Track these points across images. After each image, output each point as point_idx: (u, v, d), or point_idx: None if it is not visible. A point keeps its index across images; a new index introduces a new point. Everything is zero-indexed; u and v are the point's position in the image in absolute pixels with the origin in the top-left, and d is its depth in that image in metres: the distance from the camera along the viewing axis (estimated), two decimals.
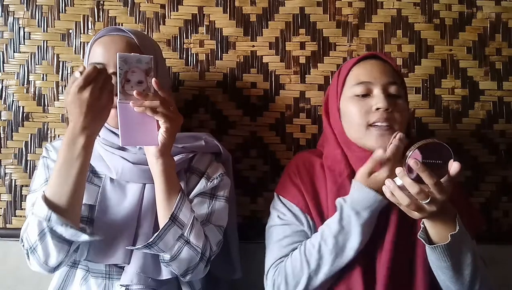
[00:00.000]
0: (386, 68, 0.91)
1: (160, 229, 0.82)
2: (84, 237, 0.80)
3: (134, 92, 0.78)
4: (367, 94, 0.89)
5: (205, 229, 0.88)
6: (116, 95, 0.79)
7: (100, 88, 0.78)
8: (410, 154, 0.74)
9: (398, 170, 0.74)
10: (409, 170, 0.74)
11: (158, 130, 0.81)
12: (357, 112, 0.88)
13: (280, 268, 0.88)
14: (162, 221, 0.84)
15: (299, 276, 0.84)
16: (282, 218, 0.93)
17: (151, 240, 0.81)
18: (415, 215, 0.76)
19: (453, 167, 0.74)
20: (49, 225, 0.78)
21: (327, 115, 0.98)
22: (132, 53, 0.81)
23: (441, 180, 0.73)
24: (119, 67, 0.78)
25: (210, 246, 0.87)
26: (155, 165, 0.83)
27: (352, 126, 0.90)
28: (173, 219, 0.83)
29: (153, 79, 0.80)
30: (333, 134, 0.95)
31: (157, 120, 0.81)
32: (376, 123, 0.87)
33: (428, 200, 0.73)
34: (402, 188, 0.75)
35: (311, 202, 0.90)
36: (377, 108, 0.87)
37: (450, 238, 0.76)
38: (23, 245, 0.85)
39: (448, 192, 0.74)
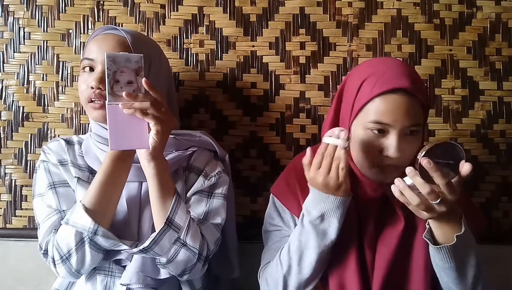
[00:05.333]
0: (411, 106, 0.80)
1: (156, 233, 0.82)
2: (123, 247, 0.83)
3: (123, 94, 0.75)
4: (382, 131, 0.81)
5: (202, 227, 0.88)
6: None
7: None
8: (422, 153, 0.74)
9: (409, 170, 0.74)
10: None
11: (149, 132, 0.79)
12: (366, 150, 0.82)
13: (264, 272, 0.91)
14: (158, 224, 0.84)
15: (276, 278, 0.86)
16: (272, 223, 0.95)
17: (146, 245, 0.81)
18: (424, 215, 0.75)
19: (465, 167, 0.75)
20: (91, 237, 0.81)
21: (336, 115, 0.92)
22: (120, 52, 0.78)
23: (452, 180, 0.74)
24: (107, 68, 0.75)
25: (208, 245, 0.87)
26: (147, 168, 0.83)
27: (357, 154, 0.85)
28: (169, 223, 0.82)
29: (143, 79, 0.77)
30: None
31: (148, 123, 0.78)
32: (381, 166, 0.83)
33: (439, 200, 0.72)
34: (411, 188, 0.74)
35: None
36: (387, 155, 0.81)
37: (455, 239, 0.75)
38: (45, 254, 0.86)
39: (458, 193, 0.74)
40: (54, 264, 0.84)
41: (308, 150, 0.83)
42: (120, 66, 0.76)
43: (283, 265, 0.85)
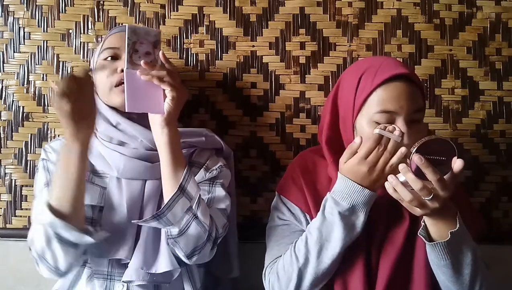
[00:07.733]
0: (413, 91, 0.82)
1: (169, 198, 0.82)
2: (88, 239, 0.81)
3: (142, 62, 0.80)
4: (389, 122, 0.82)
5: (209, 211, 0.88)
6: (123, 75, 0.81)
7: (80, 97, 0.78)
8: (414, 150, 0.74)
9: (402, 166, 0.74)
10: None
11: (164, 100, 0.83)
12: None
13: (273, 266, 0.88)
14: (169, 191, 0.84)
15: (289, 272, 0.83)
16: (282, 218, 0.93)
17: (160, 210, 0.81)
18: (417, 211, 0.76)
19: (457, 163, 0.75)
20: (54, 231, 0.80)
21: (334, 118, 0.92)
22: (141, 26, 0.83)
23: (444, 176, 0.74)
24: (128, 37, 0.79)
25: (216, 227, 0.87)
26: (160, 135, 0.84)
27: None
28: (182, 189, 0.83)
29: (160, 52, 0.82)
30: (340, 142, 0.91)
31: (164, 90, 0.82)
32: None
33: (431, 196, 0.73)
34: (405, 184, 0.75)
35: (312, 202, 0.89)
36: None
37: (450, 235, 0.76)
38: (32, 253, 0.85)
39: (451, 189, 0.74)
40: (37, 263, 0.84)
41: (358, 138, 0.80)
42: (140, 38, 0.81)
43: (299, 258, 0.82)
